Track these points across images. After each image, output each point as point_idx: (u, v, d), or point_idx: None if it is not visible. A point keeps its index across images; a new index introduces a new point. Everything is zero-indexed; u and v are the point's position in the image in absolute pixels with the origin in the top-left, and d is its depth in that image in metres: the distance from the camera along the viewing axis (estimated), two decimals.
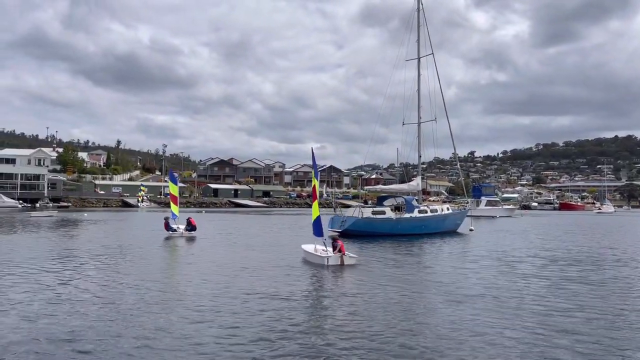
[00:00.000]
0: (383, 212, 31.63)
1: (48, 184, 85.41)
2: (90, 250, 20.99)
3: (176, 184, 32.47)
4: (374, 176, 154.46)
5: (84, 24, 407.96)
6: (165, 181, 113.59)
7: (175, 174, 36.31)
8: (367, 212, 31.18)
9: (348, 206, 43.87)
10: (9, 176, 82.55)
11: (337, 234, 29.03)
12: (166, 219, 28.91)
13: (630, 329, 9.36)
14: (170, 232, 27.92)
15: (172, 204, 31.16)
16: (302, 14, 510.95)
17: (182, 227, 28.51)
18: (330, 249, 17.44)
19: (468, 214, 39.61)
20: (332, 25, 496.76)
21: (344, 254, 16.92)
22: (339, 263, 16.66)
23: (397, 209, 32.34)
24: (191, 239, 26.41)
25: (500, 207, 73.07)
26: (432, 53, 36.89)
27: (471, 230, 35.09)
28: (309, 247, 18.74)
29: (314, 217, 18.07)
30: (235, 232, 33.05)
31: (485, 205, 70.55)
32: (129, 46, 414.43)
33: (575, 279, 15.15)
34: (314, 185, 18.71)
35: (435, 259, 20.18)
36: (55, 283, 13.22)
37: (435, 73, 37.13)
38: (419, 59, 37.24)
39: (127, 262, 17.64)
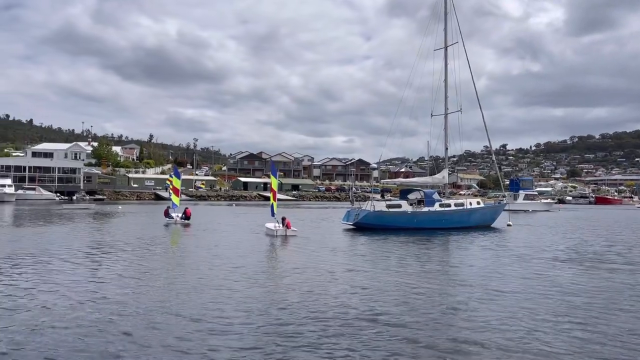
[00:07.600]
0: (399, 206, 31.38)
1: (84, 177, 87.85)
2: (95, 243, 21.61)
3: (179, 179, 36.82)
4: (403, 169, 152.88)
5: (113, 18, 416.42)
6: (197, 174, 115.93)
7: (179, 170, 41.02)
8: (381, 206, 31.01)
9: None
10: (47, 170, 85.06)
11: (351, 226, 30.21)
12: (168, 207, 34.20)
13: None
14: (168, 219, 32.71)
15: (173, 195, 35.80)
16: (329, 5, 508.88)
17: (179, 215, 33.08)
18: (280, 225, 25.21)
19: (505, 208, 38.44)
20: (360, 17, 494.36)
21: (288, 228, 24.92)
22: (284, 234, 24.64)
23: (420, 202, 31.99)
24: (185, 226, 30.56)
25: (539, 202, 71.58)
26: (462, 40, 35.62)
27: (509, 225, 34.16)
28: (269, 225, 26.27)
29: (271, 203, 26.39)
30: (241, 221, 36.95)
31: (524, 200, 69.02)
32: (158, 40, 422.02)
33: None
34: (272, 182, 27.12)
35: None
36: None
37: (462, 63, 36.36)
38: (445, 47, 36.30)
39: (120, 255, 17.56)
